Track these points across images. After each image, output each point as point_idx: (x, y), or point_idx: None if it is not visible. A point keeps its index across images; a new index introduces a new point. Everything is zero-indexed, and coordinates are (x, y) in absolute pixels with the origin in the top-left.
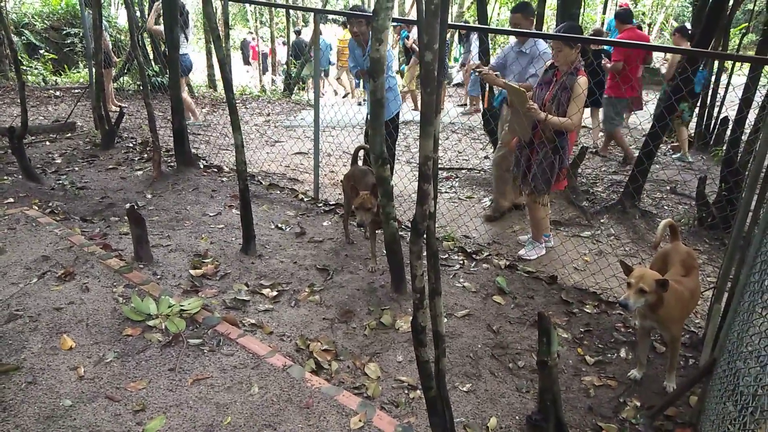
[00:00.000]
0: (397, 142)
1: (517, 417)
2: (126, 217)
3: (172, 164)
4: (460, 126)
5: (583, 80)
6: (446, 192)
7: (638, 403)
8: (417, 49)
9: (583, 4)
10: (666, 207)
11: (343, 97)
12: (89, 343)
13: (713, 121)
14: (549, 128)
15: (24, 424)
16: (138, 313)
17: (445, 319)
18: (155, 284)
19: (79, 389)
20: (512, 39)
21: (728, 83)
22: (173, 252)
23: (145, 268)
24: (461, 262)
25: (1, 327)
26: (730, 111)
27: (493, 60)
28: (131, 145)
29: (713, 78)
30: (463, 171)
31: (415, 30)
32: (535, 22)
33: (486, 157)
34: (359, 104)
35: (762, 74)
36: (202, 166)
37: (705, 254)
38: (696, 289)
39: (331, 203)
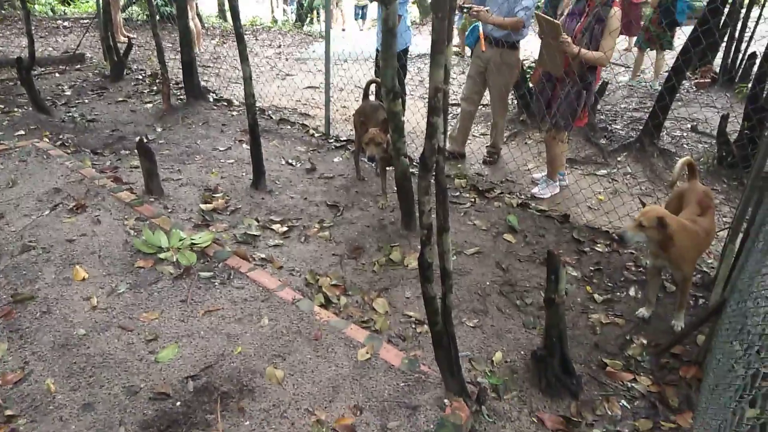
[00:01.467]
0: (410, 76)
1: (522, 352)
2: (136, 151)
3: (181, 97)
4: None
5: (617, 11)
6: None
7: (645, 341)
8: None
9: None
10: (686, 146)
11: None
12: (101, 274)
13: (740, 56)
14: (579, 63)
15: (40, 351)
16: (149, 246)
17: (454, 257)
18: (166, 218)
19: (93, 319)
20: None
21: (759, 15)
22: (184, 186)
23: (156, 202)
24: (473, 200)
25: (15, 258)
26: (760, 46)
27: None
28: (140, 77)
29: (743, 11)
30: (480, 107)
31: None
32: None
33: None
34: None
35: None
36: (212, 100)
37: (723, 194)
38: (711, 228)
39: (342, 139)
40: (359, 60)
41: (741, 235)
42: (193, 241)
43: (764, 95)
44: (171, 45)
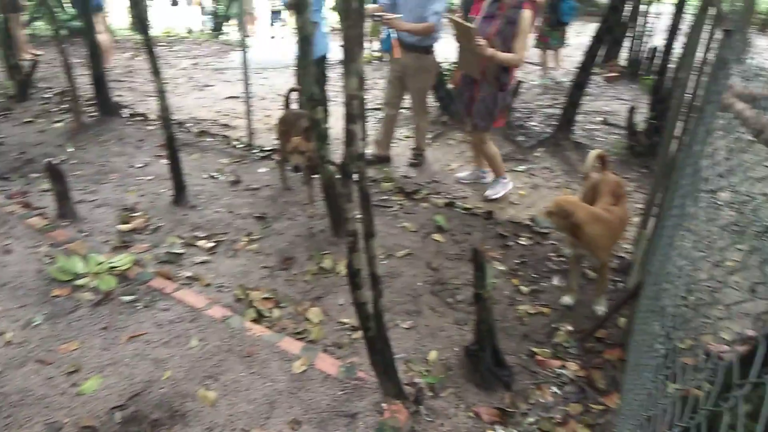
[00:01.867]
0: (332, 83)
1: (456, 349)
2: (46, 173)
3: (93, 114)
4: None
5: (528, 13)
6: None
7: (570, 328)
8: None
9: None
10: (598, 138)
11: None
12: (15, 306)
13: (644, 50)
14: (494, 64)
15: None
16: (65, 273)
17: (386, 260)
18: (82, 242)
19: (7, 355)
20: None
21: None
22: (100, 207)
23: (70, 226)
24: (400, 202)
25: None
26: (663, 40)
27: None
28: (48, 95)
29: (644, 7)
30: (401, 110)
31: None
32: None
33: None
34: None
35: (686, 1)
36: (126, 115)
37: (634, 182)
38: (624, 216)
39: (266, 149)
40: (278, 68)
41: (652, 220)
42: (112, 265)
43: (665, 86)
44: (81, 60)
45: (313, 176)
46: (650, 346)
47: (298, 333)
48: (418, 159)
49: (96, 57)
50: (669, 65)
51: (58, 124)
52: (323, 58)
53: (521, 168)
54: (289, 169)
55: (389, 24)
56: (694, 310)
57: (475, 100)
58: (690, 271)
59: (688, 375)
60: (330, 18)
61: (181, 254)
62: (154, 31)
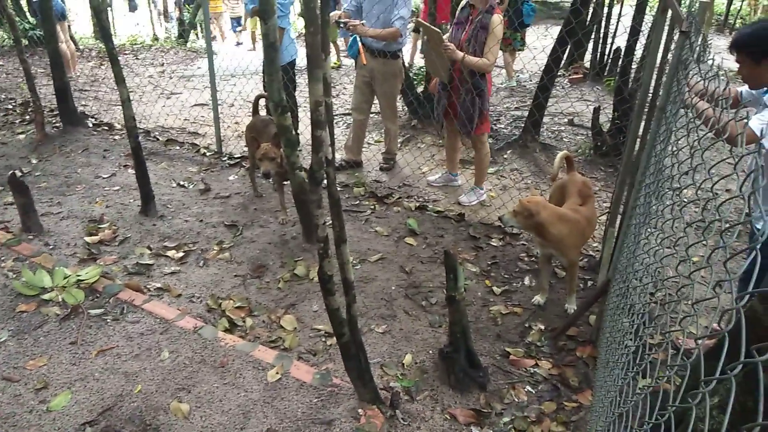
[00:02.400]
0: (300, 89)
1: (430, 351)
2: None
3: (57, 125)
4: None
5: (497, 18)
6: None
7: (542, 327)
8: None
9: None
10: (564, 139)
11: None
12: None
13: (607, 51)
14: (467, 69)
15: None
16: (31, 288)
17: (359, 265)
18: (48, 255)
19: None
20: None
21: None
22: (65, 219)
23: (35, 239)
24: (372, 207)
25: None
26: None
27: (345, 4)
28: (10, 106)
29: (606, 9)
30: (372, 115)
31: None
32: None
33: None
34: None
35: (647, 3)
36: (91, 125)
37: (601, 181)
38: (591, 216)
39: (236, 156)
40: (246, 74)
41: (619, 218)
42: (79, 278)
43: (628, 87)
44: (44, 70)
45: (284, 183)
46: (620, 342)
47: (272, 341)
48: (388, 163)
49: (59, 66)
50: (631, 66)
51: (21, 136)
52: (292, 64)
53: (491, 170)
54: (260, 176)
55: (354, 30)
56: (662, 306)
57: (454, 107)
58: (657, 268)
59: (658, 370)
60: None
61: (150, 265)
62: (118, 39)
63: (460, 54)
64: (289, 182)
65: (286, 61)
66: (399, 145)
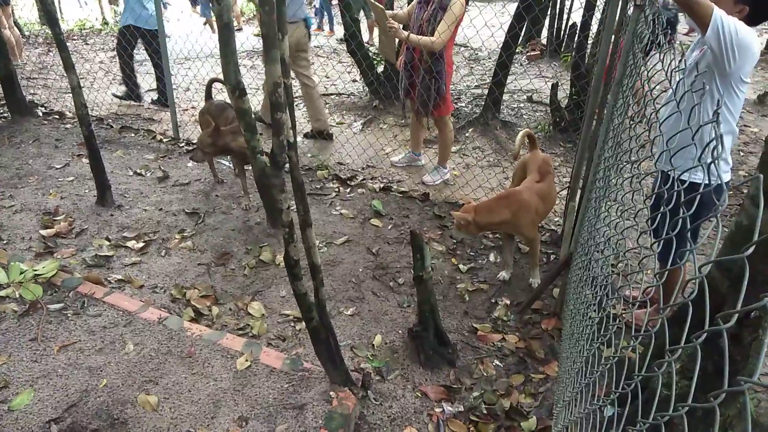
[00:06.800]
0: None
1: (400, 331)
2: None
3: (5, 115)
4: (325, 49)
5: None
6: None
7: (508, 302)
8: None
9: None
10: (524, 115)
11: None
12: None
13: (563, 27)
14: (429, 51)
15: None
16: None
17: (325, 248)
18: (2, 250)
19: None
20: None
21: None
22: (18, 213)
23: None
24: (337, 189)
25: None
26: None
27: None
28: None
29: None
30: (332, 96)
31: None
32: None
33: (354, 81)
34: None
35: None
36: (41, 114)
37: (560, 156)
38: (548, 192)
39: (193, 142)
40: (201, 57)
41: (579, 193)
42: (36, 272)
43: (585, 62)
44: None
45: (245, 168)
46: (584, 314)
47: (240, 329)
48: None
49: (4, 54)
50: (587, 41)
51: None
52: (153, 34)
53: (453, 149)
54: (221, 161)
55: None
56: (624, 277)
57: (415, 86)
58: (618, 240)
59: (622, 339)
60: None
61: (109, 257)
62: (66, 24)
63: (405, 33)
64: (250, 167)
65: (147, 28)
66: (361, 127)
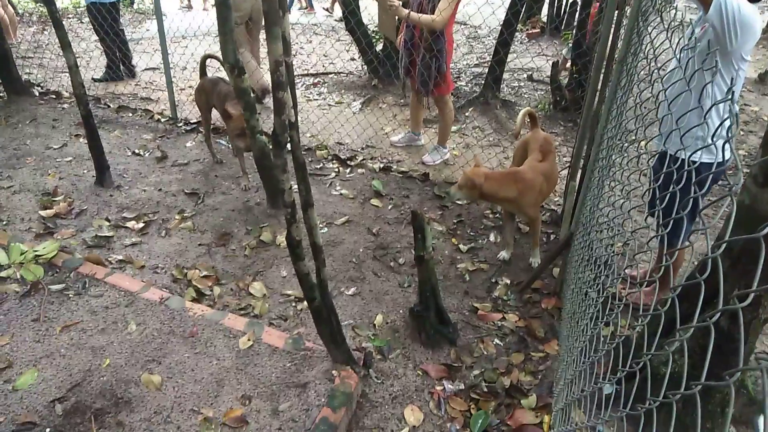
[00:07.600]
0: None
1: (401, 311)
2: None
3: (1, 95)
4: (324, 27)
5: None
6: (315, 99)
7: (508, 281)
8: None
9: None
10: (524, 94)
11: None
12: None
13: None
14: (429, 30)
15: None
16: None
17: (326, 228)
18: (2, 231)
19: None
20: None
21: None
22: (17, 194)
23: None
24: (336, 169)
25: None
26: None
27: None
28: None
29: None
30: (331, 75)
31: None
32: None
33: (352, 59)
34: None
35: None
36: (37, 94)
37: (561, 136)
38: (551, 172)
39: (192, 122)
40: (198, 35)
41: (580, 172)
42: (36, 253)
43: (587, 40)
44: None
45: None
46: (586, 294)
47: (242, 309)
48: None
49: None
50: (589, 19)
51: None
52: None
53: (453, 128)
54: (219, 141)
55: None
56: (624, 255)
57: (415, 65)
58: (624, 219)
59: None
60: None
61: (110, 237)
62: (61, 2)
63: (405, 11)
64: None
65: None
66: (360, 106)
